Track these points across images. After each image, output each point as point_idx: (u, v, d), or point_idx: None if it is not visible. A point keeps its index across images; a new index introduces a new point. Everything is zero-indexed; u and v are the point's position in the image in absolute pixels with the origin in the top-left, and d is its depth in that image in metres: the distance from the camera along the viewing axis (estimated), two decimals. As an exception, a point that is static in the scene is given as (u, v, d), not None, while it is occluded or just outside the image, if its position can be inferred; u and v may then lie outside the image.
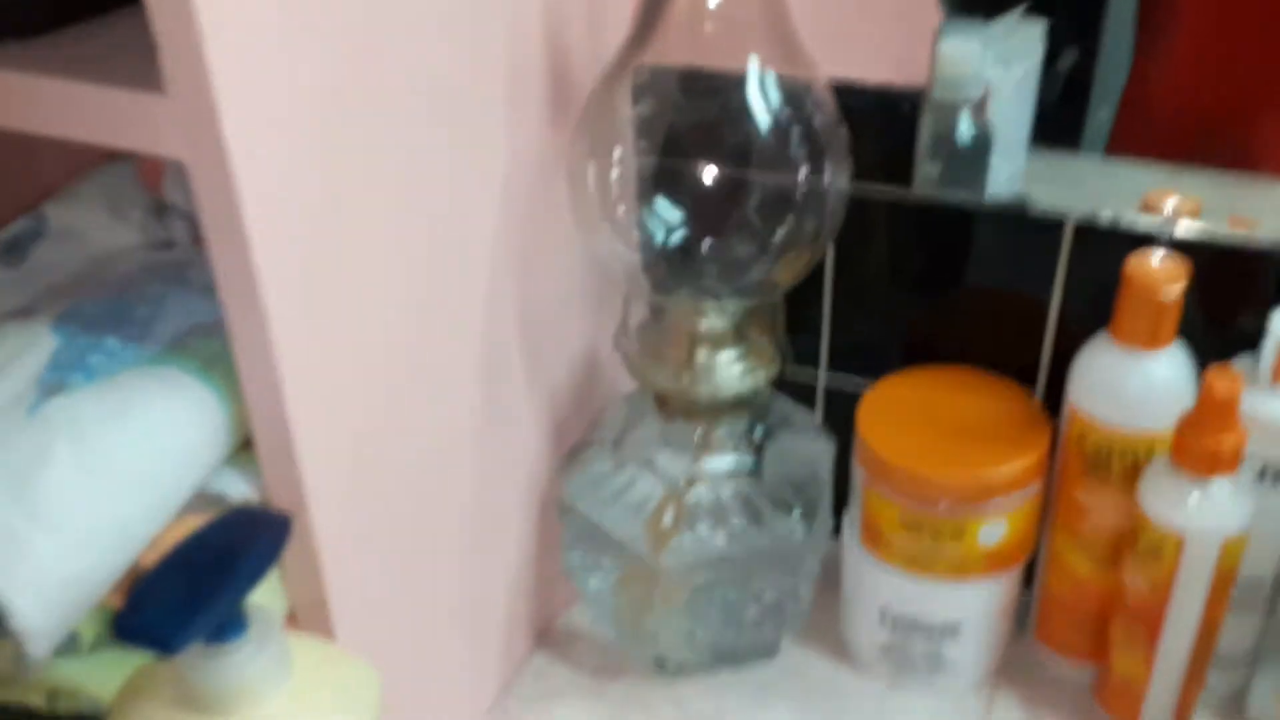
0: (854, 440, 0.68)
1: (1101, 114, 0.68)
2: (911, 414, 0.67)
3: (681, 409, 0.67)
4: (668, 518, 0.66)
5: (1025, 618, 0.72)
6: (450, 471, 0.62)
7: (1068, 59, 0.66)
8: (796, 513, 0.66)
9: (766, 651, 0.73)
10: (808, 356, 0.75)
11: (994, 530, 0.64)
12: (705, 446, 0.67)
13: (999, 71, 0.65)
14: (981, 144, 0.66)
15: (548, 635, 0.76)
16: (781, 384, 0.75)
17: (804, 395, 0.76)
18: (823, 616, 0.74)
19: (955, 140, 0.66)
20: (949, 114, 0.66)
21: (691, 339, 0.65)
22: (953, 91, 0.65)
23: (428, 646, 0.63)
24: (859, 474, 0.67)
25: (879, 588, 0.68)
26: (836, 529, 0.72)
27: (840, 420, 0.73)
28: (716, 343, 0.65)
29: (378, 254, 0.52)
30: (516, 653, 0.73)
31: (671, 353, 0.65)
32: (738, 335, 0.65)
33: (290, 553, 0.51)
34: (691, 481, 0.67)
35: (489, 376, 0.63)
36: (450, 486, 0.62)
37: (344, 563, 0.53)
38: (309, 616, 0.53)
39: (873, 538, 0.67)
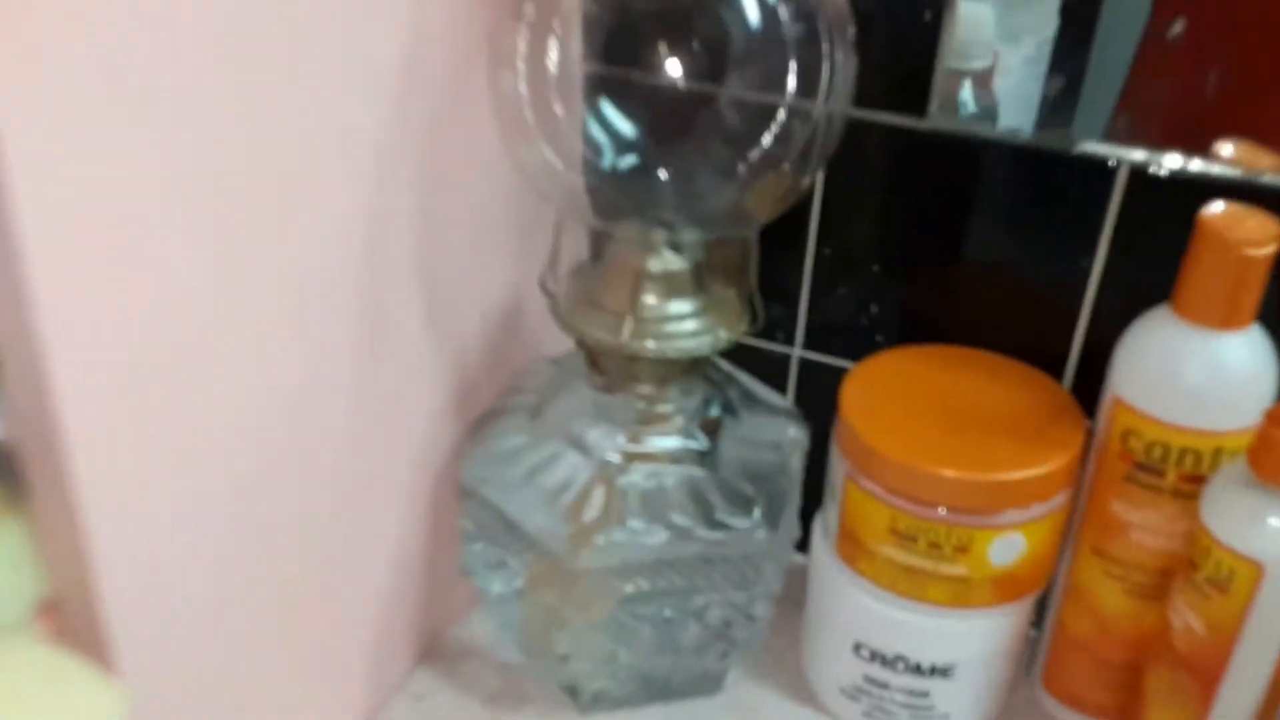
0: (834, 425, 0.54)
1: (1099, 100, 0.55)
2: (910, 396, 0.53)
3: (620, 373, 0.52)
4: (593, 507, 0.51)
5: (1031, 661, 0.59)
6: (308, 443, 0.47)
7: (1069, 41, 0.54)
8: (757, 511, 0.52)
9: (708, 686, 0.58)
10: (781, 322, 0.61)
11: (1008, 547, 0.50)
12: (647, 422, 0.53)
13: (1008, 45, 0.53)
14: (987, 118, 0.54)
15: (436, 649, 0.61)
16: (747, 353, 0.61)
17: (774, 369, 0.62)
18: (780, 645, 0.60)
19: (958, 112, 0.54)
20: (953, 82, 0.53)
21: (637, 281, 0.50)
22: (960, 59, 0.52)
23: (255, 660, 0.48)
24: (839, 467, 0.53)
25: (855, 613, 0.54)
26: (804, 538, 0.58)
27: (816, 402, 0.59)
28: (669, 288, 0.50)
29: (167, 149, 0.37)
30: (390, 671, 0.58)
31: (611, 298, 0.51)
32: (696, 281, 0.51)
33: (48, 519, 0.36)
34: (627, 464, 0.52)
35: (370, 324, 0.48)
36: (307, 460, 0.47)
37: (127, 544, 0.38)
38: (76, 611, 0.38)
39: (852, 548, 0.53)
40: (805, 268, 0.59)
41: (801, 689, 0.59)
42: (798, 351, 0.61)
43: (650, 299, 0.50)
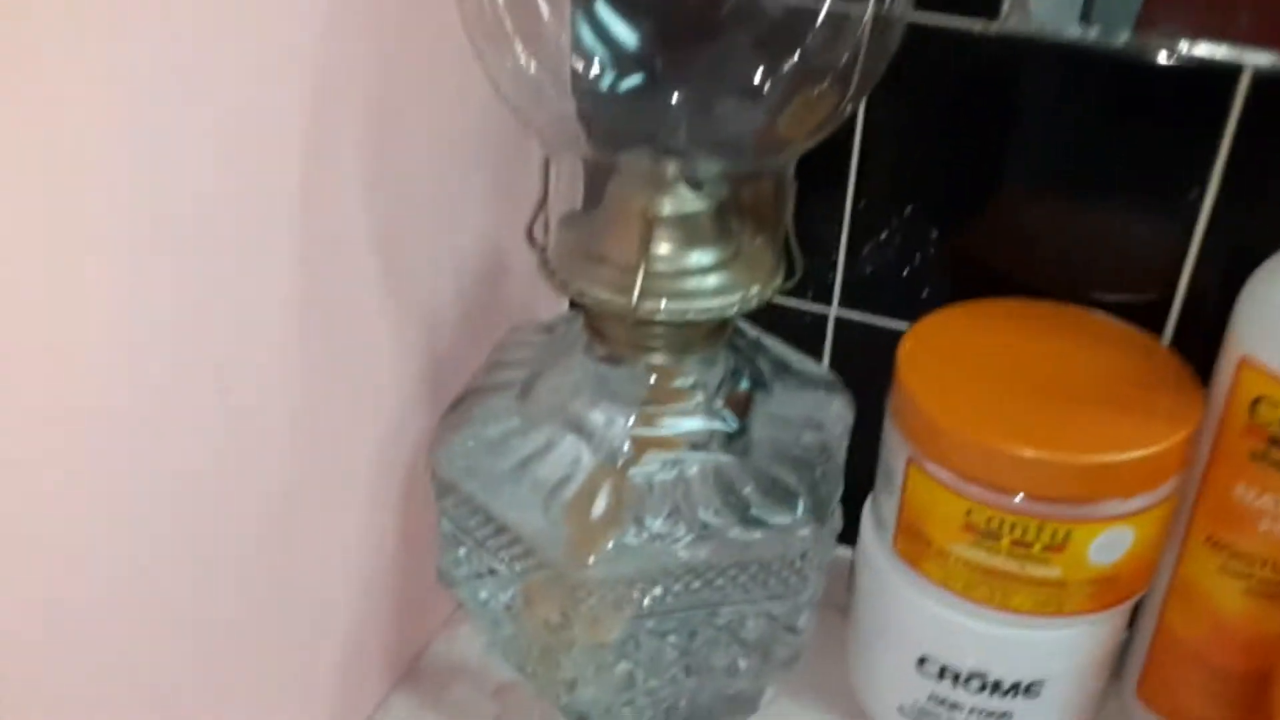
0: (886, 397, 0.45)
1: None
2: (982, 361, 0.44)
3: (627, 341, 0.43)
4: (600, 504, 0.42)
5: (1121, 666, 0.50)
6: (247, 438, 0.37)
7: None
8: (800, 504, 0.42)
9: (741, 709, 0.49)
10: (814, 275, 0.51)
11: (1113, 544, 0.41)
12: (662, 399, 0.43)
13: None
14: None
15: (416, 672, 0.52)
16: (773, 314, 0.52)
17: (806, 332, 0.52)
18: (822, 656, 0.51)
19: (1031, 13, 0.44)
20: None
21: (646, 226, 0.40)
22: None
23: (197, 693, 0.39)
24: (898, 449, 0.43)
25: (920, 623, 0.45)
26: (848, 533, 0.48)
27: (859, 370, 0.49)
28: (686, 235, 0.41)
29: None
30: (360, 698, 0.49)
31: (615, 249, 0.41)
32: (718, 226, 0.41)
33: None
34: (639, 451, 0.43)
35: (314, 292, 0.39)
36: (247, 459, 0.38)
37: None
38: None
39: (916, 547, 0.43)
40: (844, 210, 0.49)
41: (851, 708, 0.50)
42: (835, 310, 0.51)
43: (663, 249, 0.40)
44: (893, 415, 0.44)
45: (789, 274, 0.43)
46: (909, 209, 0.48)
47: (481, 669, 0.52)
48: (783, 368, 0.47)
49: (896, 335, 0.48)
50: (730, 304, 0.41)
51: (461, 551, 0.47)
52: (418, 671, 0.51)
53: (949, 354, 0.44)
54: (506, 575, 0.45)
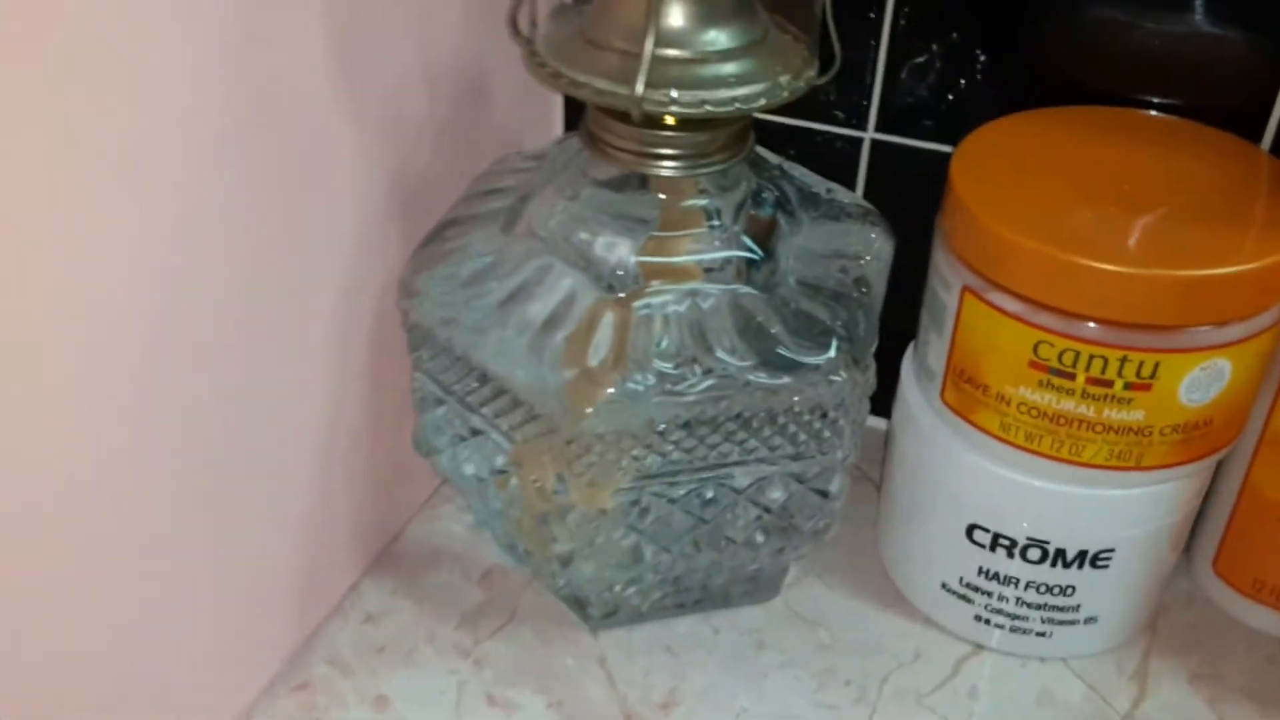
0: (936, 224, 0.38)
1: None
2: (1049, 173, 0.37)
3: (631, 149, 0.36)
4: (599, 344, 0.35)
5: (1192, 542, 0.44)
6: (185, 289, 0.31)
7: None
8: (835, 343, 0.36)
9: (760, 591, 0.43)
10: (844, 93, 0.45)
11: (1209, 380, 0.35)
12: (673, 222, 0.37)
13: None
14: None
15: (390, 555, 0.45)
16: (796, 139, 0.45)
17: (836, 161, 0.45)
18: (852, 538, 0.45)
19: None
20: None
21: (653, 5, 0.33)
22: None
23: (156, 574, 0.33)
24: (950, 278, 0.37)
25: (970, 483, 0.39)
26: (880, 401, 0.42)
27: (898, 205, 0.43)
28: (702, 10, 0.34)
29: None
30: (329, 586, 0.43)
31: (614, 29, 0.34)
32: (742, 2, 0.35)
33: None
34: (646, 281, 0.36)
35: (256, 110, 0.32)
36: (188, 308, 0.31)
37: None
38: None
39: (968, 393, 0.37)
40: (884, 11, 0.43)
41: (884, 590, 0.44)
42: (870, 134, 0.45)
43: (675, 19, 0.33)
44: (945, 239, 0.37)
45: (825, 66, 0.36)
46: (955, 14, 0.42)
47: (466, 551, 0.45)
48: (811, 198, 0.40)
49: (940, 161, 0.42)
50: (755, 95, 0.34)
51: (440, 412, 0.41)
52: (393, 554, 0.45)
53: (1012, 164, 0.37)
54: (493, 437, 0.39)
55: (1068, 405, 0.35)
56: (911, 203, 0.41)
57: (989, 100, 0.42)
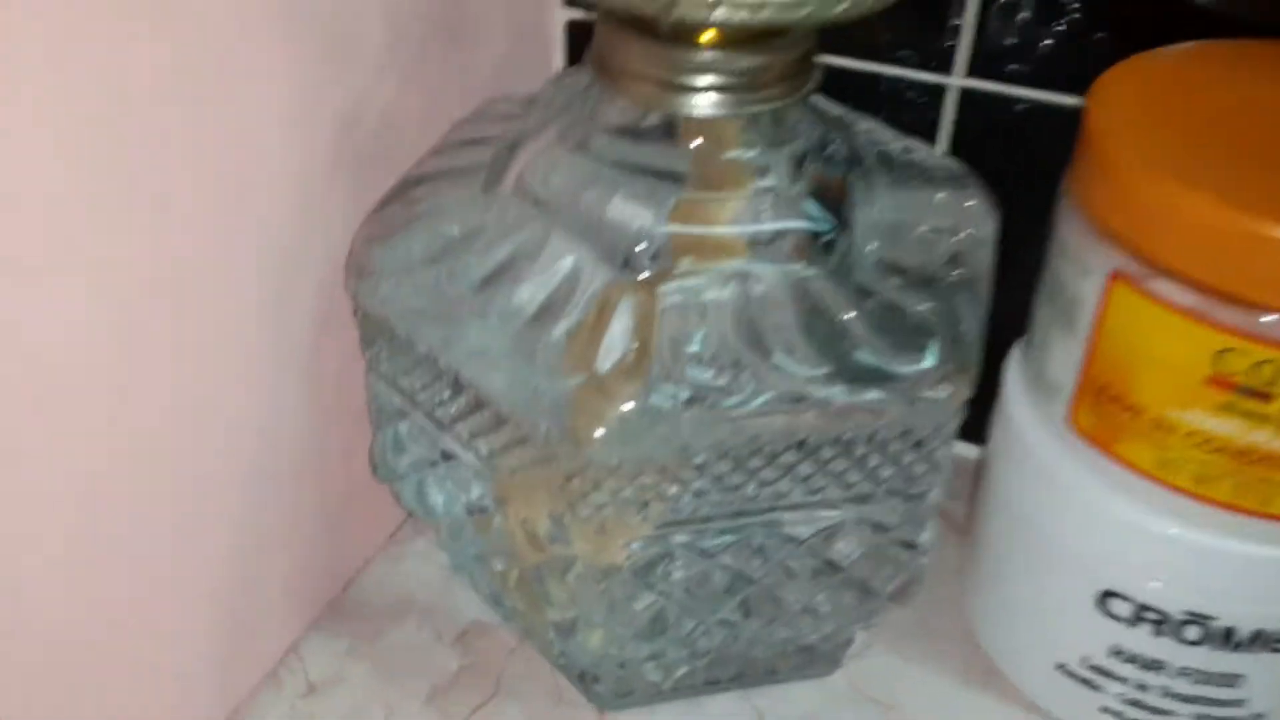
0: (1067, 183, 0.28)
1: None
2: (1222, 122, 0.27)
3: (656, 79, 0.26)
4: (613, 344, 0.26)
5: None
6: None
7: None
8: (933, 348, 0.26)
9: (816, 664, 0.33)
10: (922, 32, 0.35)
11: None
12: (712, 180, 0.27)
13: None
14: None
15: (345, 604, 0.36)
16: (861, 86, 0.36)
17: (914, 114, 0.36)
18: (932, 589, 0.35)
19: None
20: None
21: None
22: None
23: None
24: (1090, 259, 0.27)
25: (1109, 540, 0.29)
26: (973, 422, 0.32)
27: (994, 167, 0.33)
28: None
29: None
30: (261, 640, 0.34)
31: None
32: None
33: None
34: (677, 257, 0.26)
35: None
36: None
37: None
38: None
39: (1112, 419, 0.27)
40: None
41: (974, 662, 0.34)
42: (958, 80, 0.35)
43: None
44: (1080, 208, 0.27)
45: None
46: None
47: (440, 602, 0.36)
48: (885, 158, 0.31)
49: (1046, 114, 0.32)
50: (824, 5, 0.24)
51: (403, 428, 0.31)
52: (345, 605, 0.36)
53: (1166, 110, 0.27)
54: (470, 462, 0.30)
55: (1260, 437, 0.25)
56: (1011, 166, 0.32)
57: (1116, 38, 0.32)
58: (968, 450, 0.38)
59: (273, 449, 0.31)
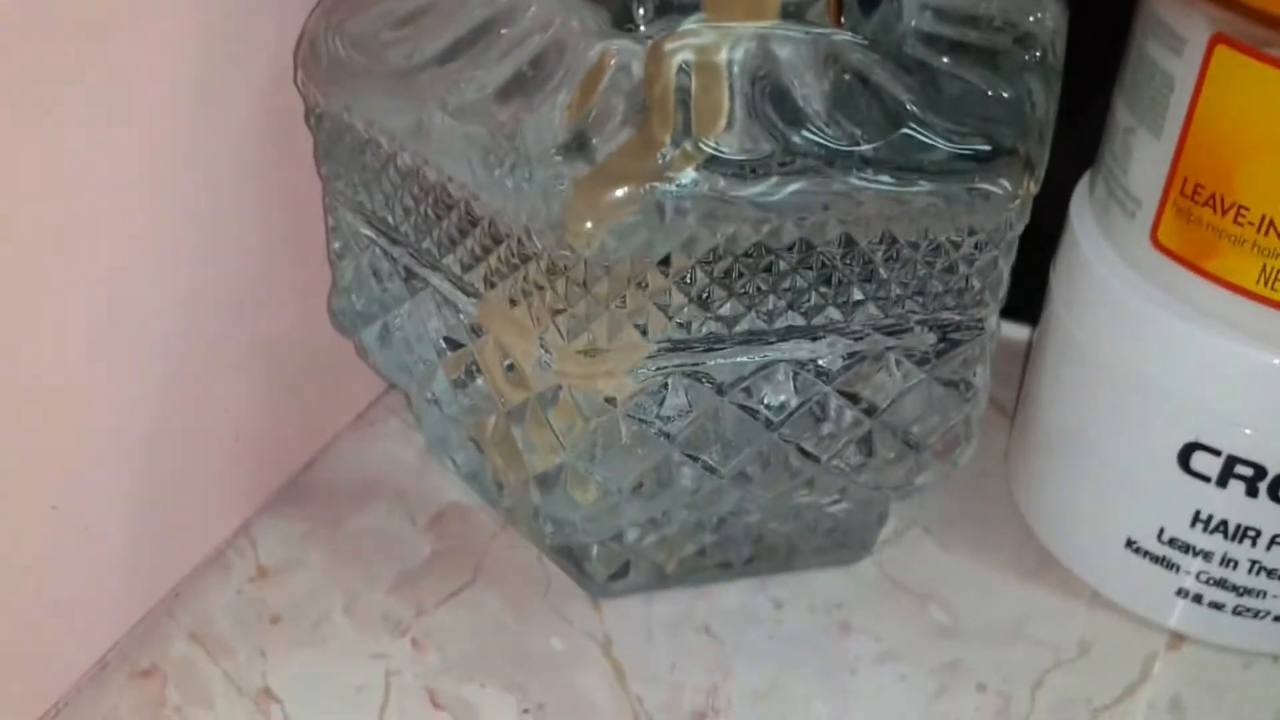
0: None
1: None
2: None
3: None
4: (606, 114, 0.21)
5: None
6: None
7: None
8: (996, 130, 0.22)
9: (843, 548, 0.29)
10: None
11: None
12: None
13: None
14: None
15: (303, 485, 0.31)
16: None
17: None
18: (973, 470, 0.31)
19: None
20: None
21: None
22: None
23: None
24: (1177, 20, 0.23)
25: (1197, 377, 0.24)
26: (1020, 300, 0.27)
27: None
28: None
29: None
30: (205, 523, 0.29)
31: None
32: None
33: None
34: (684, 16, 0.22)
35: None
36: None
37: None
38: None
39: (1204, 224, 0.23)
40: None
41: (1026, 548, 0.30)
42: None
43: None
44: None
45: None
46: None
47: (413, 485, 0.31)
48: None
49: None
50: None
51: (365, 261, 0.27)
52: (304, 485, 0.31)
53: None
54: (440, 286, 0.25)
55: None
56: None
57: None
58: (1015, 332, 0.33)
59: (208, 290, 0.26)
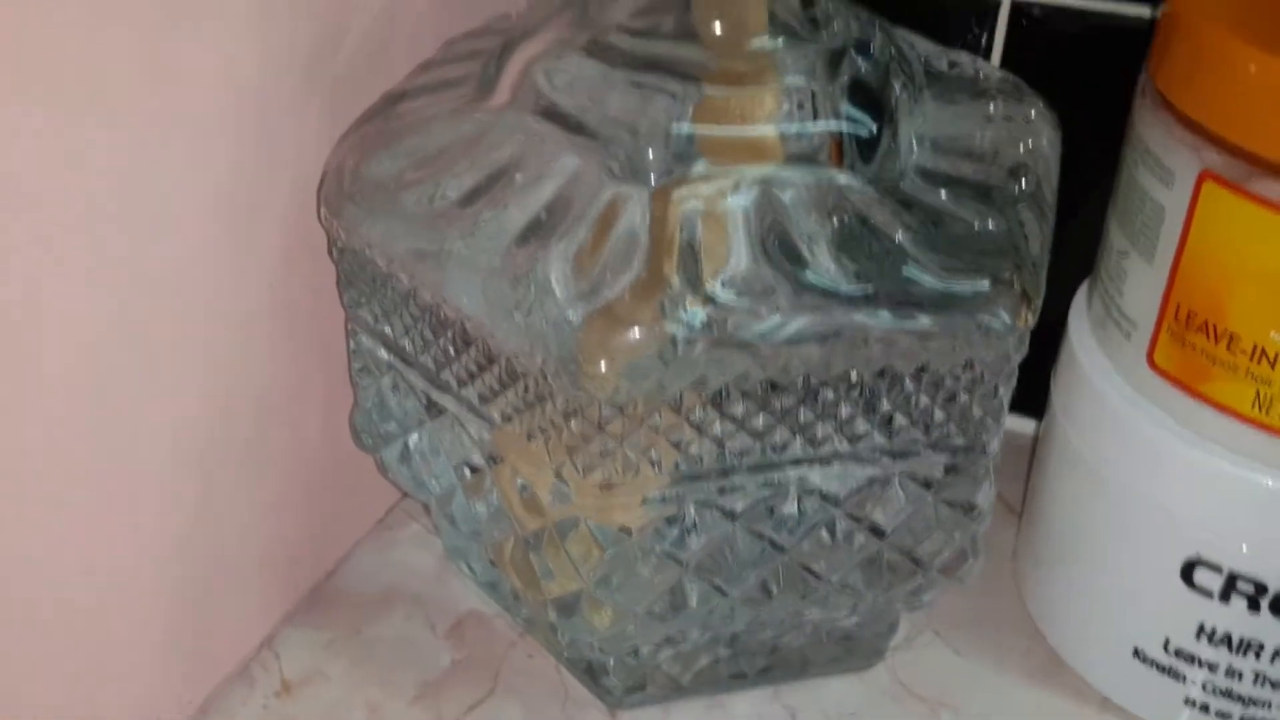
0: (1147, 72, 0.25)
1: None
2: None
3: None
4: (619, 259, 0.22)
5: None
6: None
7: None
8: (992, 266, 0.23)
9: (855, 656, 0.29)
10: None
11: None
12: (734, 76, 0.24)
13: None
14: None
15: (325, 594, 0.32)
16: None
17: (955, 28, 0.32)
18: (995, 580, 0.31)
19: None
20: None
21: None
22: None
23: None
24: (1169, 155, 0.23)
25: (1196, 499, 0.25)
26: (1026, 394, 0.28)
27: (1052, 84, 0.29)
28: None
29: None
30: (231, 639, 0.30)
31: None
32: None
33: None
34: (691, 159, 0.23)
35: None
36: None
37: None
38: None
39: (1199, 350, 0.24)
40: None
41: (1036, 653, 0.30)
42: (1008, -2, 0.31)
43: None
44: (1162, 103, 0.24)
45: None
46: None
47: (432, 592, 0.32)
48: (933, 68, 0.27)
49: (1111, 27, 0.29)
50: None
51: (386, 383, 0.28)
52: (326, 595, 0.32)
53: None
54: (459, 413, 0.26)
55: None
56: (1070, 80, 0.28)
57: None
58: (1021, 425, 0.34)
59: (237, 415, 0.27)
